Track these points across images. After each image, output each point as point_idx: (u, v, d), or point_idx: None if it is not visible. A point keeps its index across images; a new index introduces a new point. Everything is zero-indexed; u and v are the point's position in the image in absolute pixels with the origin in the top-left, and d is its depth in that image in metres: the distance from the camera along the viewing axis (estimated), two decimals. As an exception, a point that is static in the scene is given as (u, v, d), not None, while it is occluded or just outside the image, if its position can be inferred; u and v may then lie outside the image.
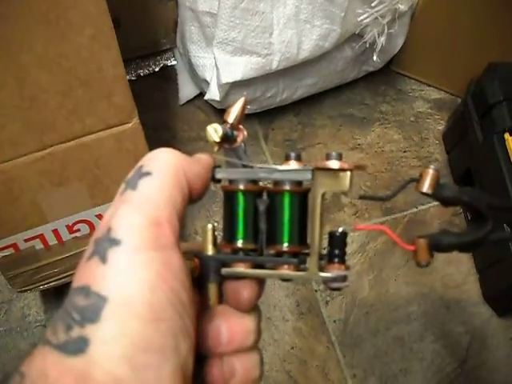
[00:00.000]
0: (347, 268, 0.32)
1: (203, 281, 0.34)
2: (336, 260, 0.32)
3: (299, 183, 0.33)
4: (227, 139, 0.34)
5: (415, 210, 1.13)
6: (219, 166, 0.34)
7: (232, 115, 0.34)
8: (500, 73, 1.07)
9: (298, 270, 0.33)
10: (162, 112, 1.24)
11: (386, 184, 1.16)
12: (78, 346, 0.25)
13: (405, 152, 1.21)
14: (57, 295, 1.01)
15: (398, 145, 1.22)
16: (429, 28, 1.23)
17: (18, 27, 0.60)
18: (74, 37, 0.63)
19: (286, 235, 0.33)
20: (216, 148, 0.33)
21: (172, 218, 0.29)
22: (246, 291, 0.33)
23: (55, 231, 0.81)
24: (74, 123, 0.70)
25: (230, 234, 0.34)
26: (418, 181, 0.32)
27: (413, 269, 1.08)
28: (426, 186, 0.31)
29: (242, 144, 0.35)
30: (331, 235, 0.33)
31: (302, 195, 0.33)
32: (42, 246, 0.82)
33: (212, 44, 0.98)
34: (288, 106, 1.23)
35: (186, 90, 1.24)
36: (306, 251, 0.33)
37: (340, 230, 0.32)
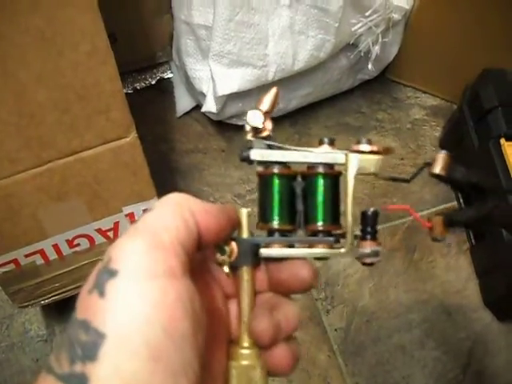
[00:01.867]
0: (379, 244, 0.35)
1: (239, 265, 0.35)
2: (369, 237, 0.35)
3: (331, 166, 0.35)
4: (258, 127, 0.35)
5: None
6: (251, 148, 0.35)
7: (265, 103, 0.35)
8: (494, 78, 1.07)
9: (332, 248, 0.35)
10: (159, 124, 1.25)
11: (384, 192, 1.16)
12: (80, 382, 0.25)
13: (402, 159, 1.21)
14: (58, 310, 1.01)
15: (395, 153, 1.23)
16: (423, 36, 1.24)
17: (15, 44, 0.60)
18: (70, 53, 0.64)
19: (321, 215, 0.35)
20: (250, 135, 0.35)
21: (173, 243, 0.29)
22: (305, 270, 0.34)
23: (55, 246, 0.81)
24: (73, 139, 0.70)
25: (265, 216, 0.35)
26: (431, 164, 0.34)
27: (413, 276, 1.08)
28: (438, 168, 0.34)
29: (271, 133, 0.36)
30: (364, 214, 0.35)
31: (334, 177, 0.35)
32: (42, 261, 0.82)
33: (208, 56, 0.98)
34: (284, 117, 1.24)
35: (183, 103, 1.24)
36: (339, 231, 0.35)
37: (371, 209, 0.35)
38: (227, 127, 1.22)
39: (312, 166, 0.35)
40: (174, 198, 0.32)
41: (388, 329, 1.03)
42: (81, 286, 0.86)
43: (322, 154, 0.35)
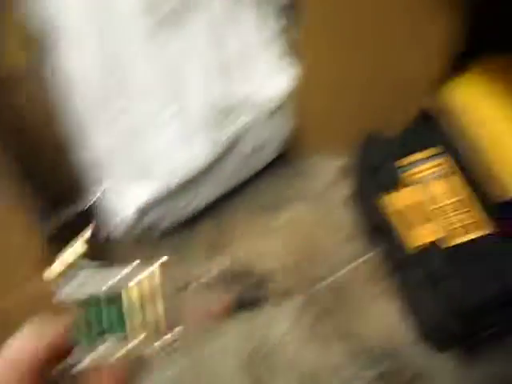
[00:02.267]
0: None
1: None
2: None
3: None
4: None
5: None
6: None
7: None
8: (378, 140, 1.19)
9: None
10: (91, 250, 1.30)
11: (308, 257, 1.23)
12: None
13: (318, 226, 1.30)
14: None
15: (310, 221, 1.31)
16: (311, 107, 1.34)
17: None
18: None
19: None
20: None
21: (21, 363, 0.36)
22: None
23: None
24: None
25: None
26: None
27: (341, 332, 1.14)
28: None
29: None
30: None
31: None
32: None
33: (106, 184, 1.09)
34: (199, 218, 1.31)
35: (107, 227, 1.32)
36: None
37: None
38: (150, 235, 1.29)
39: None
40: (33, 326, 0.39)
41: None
42: None
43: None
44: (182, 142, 1.09)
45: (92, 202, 1.22)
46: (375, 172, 1.15)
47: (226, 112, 1.12)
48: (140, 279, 0.42)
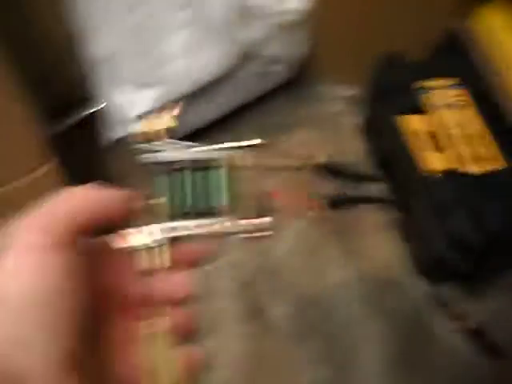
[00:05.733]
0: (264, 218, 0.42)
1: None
2: (254, 215, 0.42)
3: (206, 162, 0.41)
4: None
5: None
6: None
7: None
8: (391, 61, 1.15)
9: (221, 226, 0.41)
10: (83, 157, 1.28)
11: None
12: None
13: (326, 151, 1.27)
14: None
15: (318, 145, 1.28)
16: (328, 30, 1.29)
17: None
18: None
19: (207, 200, 0.41)
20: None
21: (60, 226, 0.34)
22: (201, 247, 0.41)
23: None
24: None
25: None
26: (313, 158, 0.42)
27: (346, 257, 1.13)
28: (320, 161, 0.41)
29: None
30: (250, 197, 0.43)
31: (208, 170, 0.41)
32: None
33: (115, 84, 1.05)
34: (202, 132, 1.28)
35: (109, 132, 1.29)
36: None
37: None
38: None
39: (196, 161, 0.41)
40: (70, 191, 0.37)
41: (329, 309, 1.09)
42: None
43: (203, 151, 0.42)
44: (195, 48, 1.05)
45: (99, 105, 1.19)
46: (393, 94, 1.11)
47: (241, 20, 1.07)
48: (231, 156, 0.42)
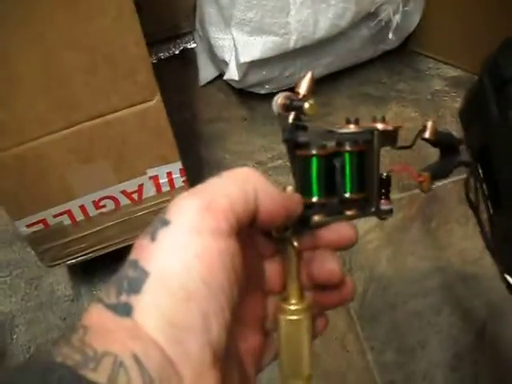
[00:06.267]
0: (391, 202, 0.41)
1: (294, 235, 0.38)
2: (383, 197, 0.41)
3: (357, 143, 0.39)
4: (296, 109, 0.38)
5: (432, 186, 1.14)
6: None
7: (303, 86, 0.38)
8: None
9: (361, 210, 0.40)
10: (183, 93, 1.27)
11: (406, 160, 1.17)
12: (125, 310, 0.29)
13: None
14: (84, 271, 1.05)
15: (415, 123, 1.23)
16: (444, 5, 1.23)
17: (43, 8, 0.63)
18: (97, 18, 0.66)
19: (351, 186, 0.39)
20: (291, 118, 0.38)
21: (226, 209, 0.31)
22: (351, 230, 0.39)
23: (82, 207, 0.84)
24: (100, 102, 0.72)
25: (306, 191, 0.39)
26: (423, 131, 0.41)
27: (430, 244, 1.09)
28: (428, 134, 0.41)
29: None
30: (381, 179, 0.40)
31: (361, 153, 0.39)
32: (69, 221, 0.85)
33: (230, 25, 1.00)
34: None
35: (206, 72, 1.26)
36: (363, 196, 0.40)
37: (385, 174, 0.40)
38: (249, 96, 1.24)
39: (341, 144, 0.38)
40: (243, 172, 0.34)
41: (404, 295, 1.05)
42: (106, 246, 0.89)
43: (351, 134, 0.39)
44: (311, 3, 0.99)
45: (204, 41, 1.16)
46: (507, 84, 1.03)
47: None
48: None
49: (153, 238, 0.30)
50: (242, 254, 0.33)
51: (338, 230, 0.39)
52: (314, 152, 0.38)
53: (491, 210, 1.09)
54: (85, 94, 0.71)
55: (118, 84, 0.72)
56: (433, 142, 0.42)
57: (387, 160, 1.16)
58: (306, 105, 0.37)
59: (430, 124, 0.41)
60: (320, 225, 0.39)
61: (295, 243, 0.38)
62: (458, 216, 1.12)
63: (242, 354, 0.38)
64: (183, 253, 0.30)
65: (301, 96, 0.38)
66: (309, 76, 0.38)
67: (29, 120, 0.70)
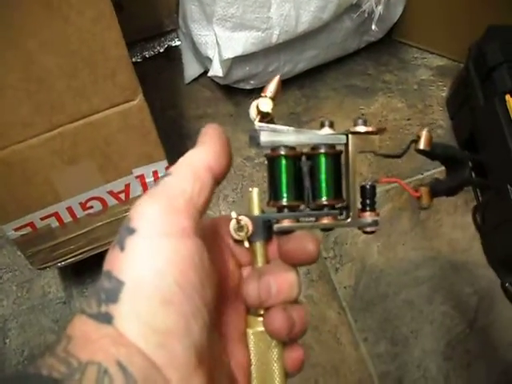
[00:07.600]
0: (377, 214, 0.38)
1: (254, 240, 0.37)
2: (368, 208, 0.38)
3: (333, 146, 0.37)
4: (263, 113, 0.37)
5: (420, 176, 1.15)
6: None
7: (270, 91, 0.37)
8: (499, 35, 1.07)
9: (336, 220, 0.38)
10: (168, 91, 1.26)
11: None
12: (106, 319, 0.29)
13: (409, 120, 1.22)
14: (75, 273, 1.05)
15: (401, 113, 1.23)
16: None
17: (21, 12, 0.63)
18: (76, 20, 0.66)
19: (325, 191, 0.37)
20: (257, 121, 0.37)
21: (188, 207, 0.32)
22: (311, 244, 0.36)
23: (69, 209, 0.84)
24: (81, 103, 0.72)
25: (275, 194, 0.37)
26: (416, 141, 0.39)
27: (420, 234, 1.10)
28: (422, 145, 0.38)
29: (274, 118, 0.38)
30: (363, 188, 0.38)
31: (336, 156, 0.38)
32: (57, 223, 0.85)
33: (212, 21, 1.00)
34: (291, 80, 1.25)
35: (191, 69, 1.26)
36: (341, 204, 0.38)
37: (369, 183, 0.38)
38: (235, 92, 1.24)
39: (315, 147, 0.37)
40: (189, 160, 0.34)
41: (396, 285, 1.06)
42: (95, 247, 0.89)
43: (325, 136, 0.37)
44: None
45: (187, 39, 1.16)
46: (497, 71, 1.04)
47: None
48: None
49: (121, 248, 0.31)
50: (210, 254, 0.33)
51: (299, 242, 0.37)
52: (281, 152, 0.37)
53: (480, 199, 1.09)
54: (66, 97, 0.71)
55: (99, 85, 0.72)
56: (429, 154, 0.40)
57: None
58: (262, 103, 0.36)
59: (424, 133, 0.39)
60: (286, 231, 0.37)
61: (246, 245, 0.37)
62: (446, 206, 1.12)
63: (232, 369, 0.38)
64: (153, 258, 0.30)
65: (271, 100, 0.37)
66: (276, 79, 0.37)
67: (12, 124, 0.70)
